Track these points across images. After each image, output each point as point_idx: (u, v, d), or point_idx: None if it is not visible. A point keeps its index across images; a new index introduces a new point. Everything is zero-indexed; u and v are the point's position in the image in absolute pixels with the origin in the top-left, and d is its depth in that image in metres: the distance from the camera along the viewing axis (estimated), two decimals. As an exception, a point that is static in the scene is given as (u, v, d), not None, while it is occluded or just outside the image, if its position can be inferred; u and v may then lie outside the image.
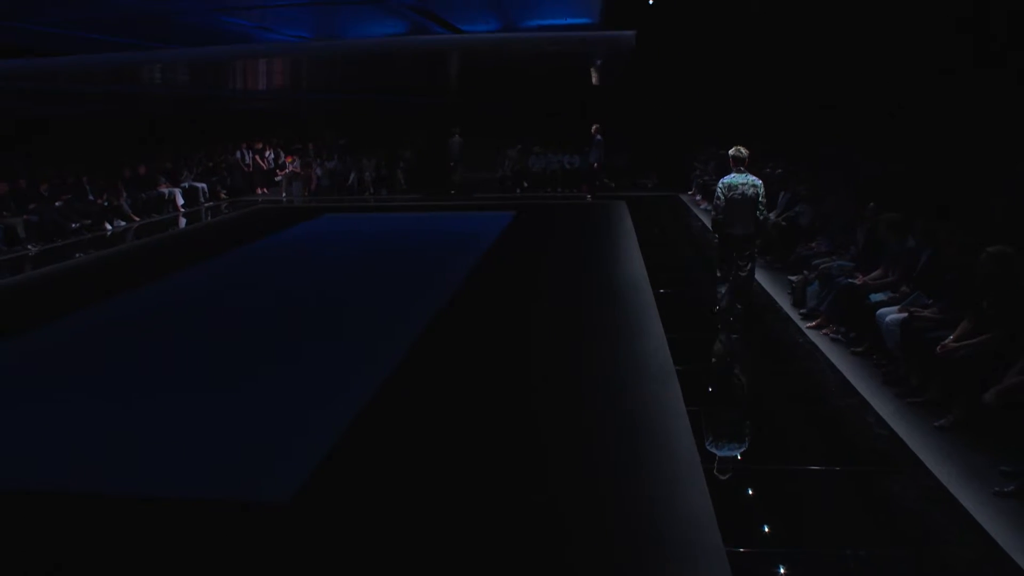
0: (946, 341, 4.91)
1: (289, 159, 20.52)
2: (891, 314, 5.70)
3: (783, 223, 9.60)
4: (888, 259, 6.54)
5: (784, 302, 7.88)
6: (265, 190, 20.22)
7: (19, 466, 4.93)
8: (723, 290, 7.35)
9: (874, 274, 6.59)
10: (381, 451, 4.97)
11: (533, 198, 17.82)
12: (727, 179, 7.05)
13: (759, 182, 7.02)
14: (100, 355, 7.16)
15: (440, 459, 4.81)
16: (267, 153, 21.12)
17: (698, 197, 15.65)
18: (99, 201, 14.72)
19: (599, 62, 14.21)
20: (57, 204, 13.63)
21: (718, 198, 7.05)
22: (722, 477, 4.45)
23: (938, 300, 5.53)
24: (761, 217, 7.04)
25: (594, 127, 16.85)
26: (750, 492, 4.36)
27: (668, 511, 4.06)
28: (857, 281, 6.58)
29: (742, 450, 5.00)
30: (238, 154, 20.03)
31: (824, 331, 6.79)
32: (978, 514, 3.85)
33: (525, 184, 19.13)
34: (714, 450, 4.81)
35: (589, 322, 7.65)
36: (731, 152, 7.10)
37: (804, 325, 7.08)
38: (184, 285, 10.03)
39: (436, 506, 4.22)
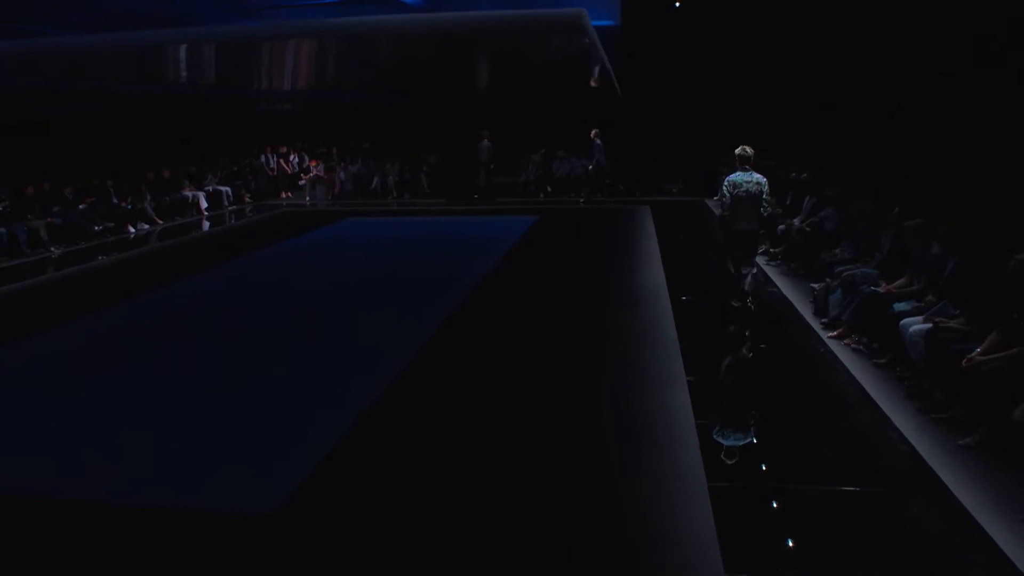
0: (973, 354, 4.64)
1: (313, 163, 20.56)
2: (915, 324, 5.43)
3: (807, 229, 9.32)
4: (913, 266, 6.27)
5: (805, 310, 7.61)
6: (289, 194, 20.31)
7: (27, 466, 4.87)
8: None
9: (899, 282, 6.33)
10: (384, 452, 4.89)
11: (556, 202, 17.70)
12: (732, 177, 7.29)
13: (763, 179, 7.24)
14: (118, 357, 7.14)
15: (442, 462, 4.70)
16: (291, 157, 21.20)
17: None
18: (123, 204, 14.86)
19: (597, 68, 14.03)
20: (81, 207, 13.77)
21: (724, 196, 7.31)
22: (727, 493, 4.23)
23: (965, 310, 5.26)
24: (765, 213, 7.32)
25: (593, 132, 16.82)
26: (757, 511, 4.11)
27: (669, 523, 3.88)
28: (881, 289, 6.32)
29: (751, 465, 4.75)
30: (263, 158, 20.12)
31: (846, 341, 6.53)
32: (1003, 542, 3.58)
33: (549, 188, 19.10)
34: (722, 463, 4.58)
35: (603, 327, 7.47)
36: (736, 151, 7.33)
37: (825, 334, 6.83)
38: (205, 287, 10.06)
39: (437, 507, 4.14)
